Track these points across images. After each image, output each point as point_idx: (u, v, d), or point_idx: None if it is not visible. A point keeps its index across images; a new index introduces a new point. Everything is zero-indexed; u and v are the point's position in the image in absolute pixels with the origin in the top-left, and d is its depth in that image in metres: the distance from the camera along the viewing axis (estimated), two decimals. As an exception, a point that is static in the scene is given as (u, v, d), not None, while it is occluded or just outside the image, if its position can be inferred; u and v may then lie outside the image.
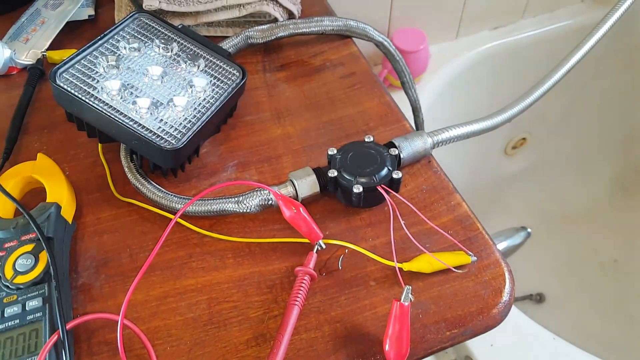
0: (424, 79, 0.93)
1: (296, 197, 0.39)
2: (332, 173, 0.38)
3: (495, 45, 0.99)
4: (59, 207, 0.36)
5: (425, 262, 0.36)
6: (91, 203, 0.41)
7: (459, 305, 0.35)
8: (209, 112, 0.40)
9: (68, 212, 0.37)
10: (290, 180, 0.39)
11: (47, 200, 0.37)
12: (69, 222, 0.37)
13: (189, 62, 0.43)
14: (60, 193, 0.37)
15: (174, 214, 0.39)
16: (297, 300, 0.34)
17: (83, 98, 0.37)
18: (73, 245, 0.38)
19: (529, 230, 0.76)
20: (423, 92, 0.91)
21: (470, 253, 0.37)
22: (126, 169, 0.41)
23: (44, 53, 0.52)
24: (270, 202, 0.39)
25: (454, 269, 0.36)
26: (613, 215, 1.34)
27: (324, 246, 0.37)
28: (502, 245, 0.75)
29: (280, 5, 0.52)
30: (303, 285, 0.35)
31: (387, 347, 0.32)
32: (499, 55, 1.00)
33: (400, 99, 0.55)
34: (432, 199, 0.41)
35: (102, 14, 0.56)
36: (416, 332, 0.34)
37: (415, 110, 0.65)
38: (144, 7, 0.50)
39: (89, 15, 0.55)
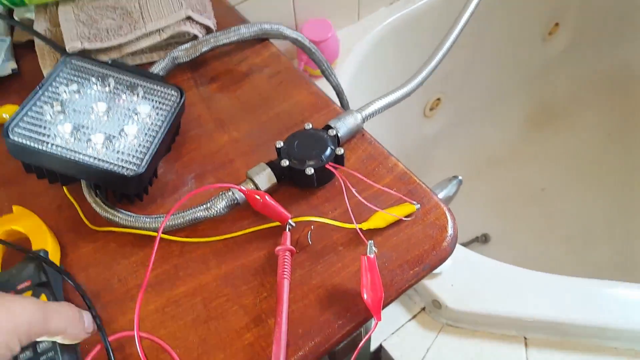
0: (338, 64, 0.99)
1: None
2: (284, 163, 0.43)
3: (395, 19, 1.07)
4: (46, 252, 0.38)
5: (379, 219, 0.42)
6: (70, 243, 0.43)
7: (415, 247, 0.41)
8: (159, 135, 0.44)
9: (55, 256, 0.40)
10: (249, 177, 0.44)
11: (32, 249, 0.39)
12: (57, 265, 0.39)
13: (128, 92, 0.46)
14: (44, 239, 0.39)
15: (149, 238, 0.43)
16: (285, 274, 0.39)
17: (40, 148, 0.40)
18: (64, 285, 0.41)
19: (460, 177, 0.85)
20: (340, 75, 0.98)
21: (414, 202, 0.43)
22: (93, 205, 0.43)
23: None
24: (236, 201, 0.43)
25: (403, 218, 0.42)
26: (531, 149, 1.48)
27: (293, 224, 0.42)
28: (440, 195, 0.82)
29: (197, 22, 0.56)
30: (286, 260, 0.40)
31: (365, 296, 0.38)
32: (400, 28, 1.08)
33: (322, 85, 0.61)
34: (372, 166, 0.47)
35: (25, 65, 0.57)
36: (385, 277, 0.40)
37: (339, 94, 0.71)
38: (67, 50, 0.52)
39: (12, 70, 0.56)
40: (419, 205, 0.43)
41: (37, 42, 0.55)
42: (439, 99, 1.35)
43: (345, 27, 1.04)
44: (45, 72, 0.54)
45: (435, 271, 0.68)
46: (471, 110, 1.44)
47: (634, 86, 1.49)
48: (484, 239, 1.34)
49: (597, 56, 1.52)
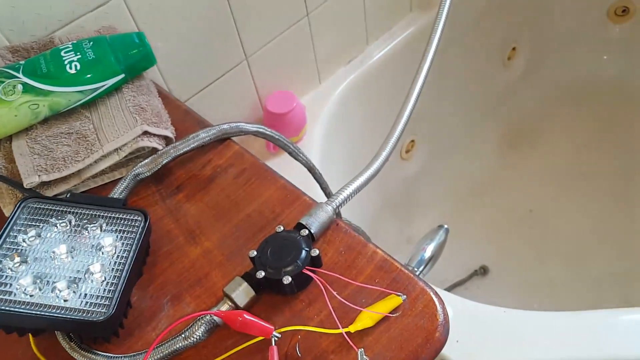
0: (308, 130, 0.99)
1: (238, 308, 0.42)
2: (260, 274, 0.42)
3: (355, 77, 1.08)
4: None
5: (367, 318, 0.40)
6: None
7: (408, 343, 0.40)
8: (127, 266, 0.42)
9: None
10: (226, 295, 0.42)
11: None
12: None
13: (90, 226, 0.45)
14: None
15: (131, 373, 0.40)
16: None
17: (3, 308, 0.38)
18: None
19: (446, 226, 0.84)
20: (312, 141, 0.98)
21: (399, 293, 0.41)
22: (69, 351, 0.41)
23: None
24: (215, 322, 0.41)
25: (390, 314, 0.41)
26: (511, 172, 1.49)
27: (279, 335, 0.40)
28: (431, 248, 0.82)
29: (155, 135, 0.55)
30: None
31: (364, 410, 0.36)
32: (361, 84, 1.10)
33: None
34: (351, 257, 0.46)
35: (-16, 204, 0.56)
36: (384, 382, 0.38)
37: (311, 170, 0.70)
38: (25, 186, 0.51)
39: (-29, 212, 0.54)
40: (404, 296, 0.41)
41: (-6, 181, 0.54)
42: (412, 141, 1.37)
43: (308, 93, 1.05)
44: (6, 212, 0.52)
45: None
46: (446, 145, 1.46)
47: (598, 94, 1.52)
48: (482, 271, 1.33)
49: (557, 70, 1.56)
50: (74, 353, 0.41)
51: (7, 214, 0.53)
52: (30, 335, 0.43)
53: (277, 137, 0.62)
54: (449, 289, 1.27)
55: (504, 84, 1.53)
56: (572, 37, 1.51)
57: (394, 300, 0.41)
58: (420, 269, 0.79)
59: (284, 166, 0.69)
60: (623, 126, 1.46)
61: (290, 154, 0.66)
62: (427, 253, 0.80)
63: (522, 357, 0.71)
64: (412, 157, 1.39)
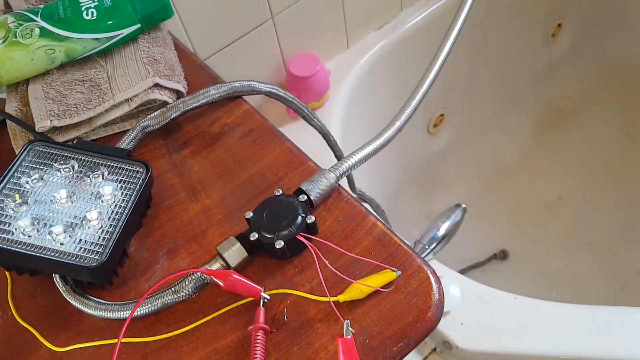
0: (331, 96, 0.97)
1: (229, 267, 0.42)
2: (253, 236, 0.41)
3: (385, 44, 1.04)
4: None
5: (356, 290, 0.39)
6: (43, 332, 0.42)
7: (397, 320, 0.39)
8: (124, 216, 0.42)
9: None
10: (219, 253, 0.42)
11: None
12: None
13: (92, 174, 0.45)
14: None
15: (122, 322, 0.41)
16: (256, 358, 0.37)
17: (2, 246, 0.39)
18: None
19: (464, 205, 0.81)
20: (333, 107, 0.96)
21: (394, 269, 0.40)
22: (64, 294, 0.42)
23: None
24: (206, 280, 0.41)
25: (382, 289, 0.39)
26: (543, 155, 1.43)
27: (268, 297, 0.40)
28: (445, 226, 0.79)
29: (166, 88, 0.54)
30: (258, 341, 0.37)
31: (344, 381, 0.35)
32: (392, 51, 1.06)
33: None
34: (350, 227, 0.44)
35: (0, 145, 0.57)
36: (367, 356, 0.37)
37: (325, 136, 0.68)
38: (37, 130, 0.51)
39: (-16, 152, 0.55)
40: (399, 272, 0.40)
41: (9, 123, 0.55)
42: (442, 115, 1.32)
43: (334, 57, 1.03)
44: (18, 153, 0.53)
45: (444, 309, 0.65)
46: (477, 121, 1.41)
47: (646, 81, 1.43)
48: (502, 255, 1.29)
49: (602, 52, 1.47)
50: (68, 296, 0.42)
51: (18, 156, 0.53)
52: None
53: (290, 99, 0.60)
54: (466, 270, 1.24)
55: (545, 62, 1.45)
56: (621, 19, 1.41)
57: (388, 275, 0.40)
58: (432, 246, 0.77)
59: (302, 131, 0.68)
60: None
61: (304, 118, 0.64)
62: (441, 231, 0.78)
63: (527, 347, 0.69)
64: (439, 132, 1.35)
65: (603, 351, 0.67)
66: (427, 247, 0.77)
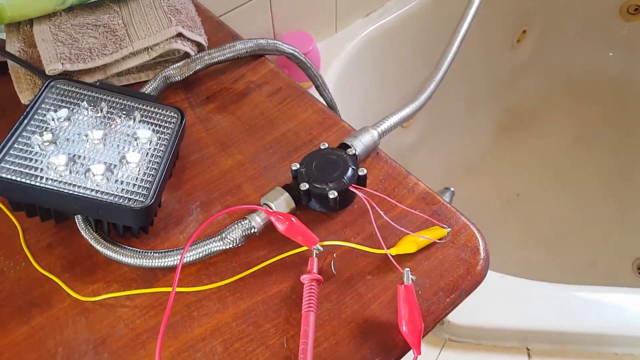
0: (321, 77, 0.97)
1: (274, 219, 0.40)
2: (304, 186, 0.40)
3: (371, 31, 1.06)
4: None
5: (410, 243, 0.39)
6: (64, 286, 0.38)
7: (448, 272, 0.39)
8: (164, 161, 0.40)
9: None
10: (265, 204, 0.40)
11: None
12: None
13: (124, 116, 0.42)
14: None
15: (157, 272, 0.38)
16: (310, 306, 0.36)
17: (33, 183, 0.35)
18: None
19: (452, 189, 0.84)
20: (323, 89, 0.95)
21: (444, 225, 0.40)
22: (92, 242, 0.39)
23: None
24: (253, 229, 0.40)
25: (437, 241, 0.40)
26: (504, 155, 1.50)
27: (321, 248, 0.39)
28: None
29: (188, 39, 0.52)
30: (312, 290, 0.36)
31: (404, 329, 0.35)
32: (376, 39, 1.07)
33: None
34: (392, 186, 0.44)
35: (-4, 90, 0.52)
36: (421, 306, 0.37)
37: (333, 109, 0.68)
38: (47, 72, 0.47)
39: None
40: (449, 228, 0.40)
41: (11, 64, 0.50)
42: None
43: (323, 40, 1.02)
44: (22, 98, 0.49)
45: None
46: (445, 119, 1.45)
47: (600, 90, 1.54)
48: (465, 247, 1.34)
49: (563, 61, 1.57)
50: (97, 244, 0.39)
51: (23, 101, 0.49)
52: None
53: (309, 65, 0.59)
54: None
55: (509, 66, 1.53)
56: (582, 29, 1.51)
57: (438, 232, 0.40)
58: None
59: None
60: (622, 125, 1.49)
61: (317, 87, 0.64)
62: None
63: (515, 323, 0.72)
64: (411, 126, 1.38)
65: (582, 325, 0.71)
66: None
